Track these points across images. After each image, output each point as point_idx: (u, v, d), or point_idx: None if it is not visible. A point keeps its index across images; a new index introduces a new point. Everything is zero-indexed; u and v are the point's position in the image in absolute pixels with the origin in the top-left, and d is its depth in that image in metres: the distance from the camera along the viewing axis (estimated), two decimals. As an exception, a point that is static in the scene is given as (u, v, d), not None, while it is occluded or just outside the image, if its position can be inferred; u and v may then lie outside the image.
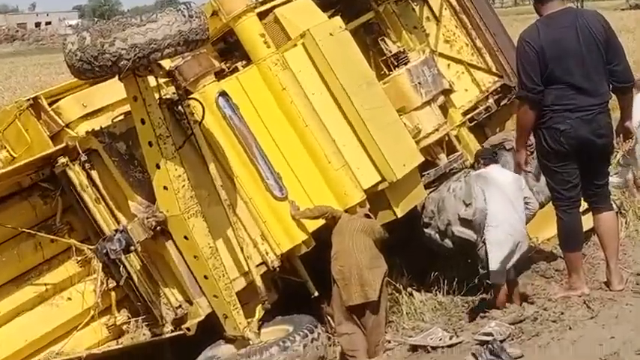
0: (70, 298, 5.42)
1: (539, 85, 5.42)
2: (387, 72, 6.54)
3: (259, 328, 5.33)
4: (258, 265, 5.47)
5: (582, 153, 5.48)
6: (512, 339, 4.97)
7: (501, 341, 4.83)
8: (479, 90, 7.39)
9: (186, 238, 5.07)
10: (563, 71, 5.37)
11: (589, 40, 5.38)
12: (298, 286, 5.82)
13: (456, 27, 7.37)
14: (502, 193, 5.66)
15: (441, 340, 5.13)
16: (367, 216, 5.73)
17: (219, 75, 5.86)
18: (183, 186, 5.01)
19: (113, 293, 5.41)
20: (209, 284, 5.14)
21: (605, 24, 5.58)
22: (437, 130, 6.47)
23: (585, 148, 5.46)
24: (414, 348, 5.16)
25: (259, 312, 5.41)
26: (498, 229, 5.56)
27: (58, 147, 5.31)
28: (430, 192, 6.42)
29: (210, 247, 5.10)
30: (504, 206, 5.61)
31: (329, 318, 5.81)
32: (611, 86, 5.56)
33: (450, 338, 5.12)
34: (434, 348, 5.09)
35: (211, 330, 5.32)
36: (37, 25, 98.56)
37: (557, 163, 5.55)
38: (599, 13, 5.87)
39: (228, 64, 6.12)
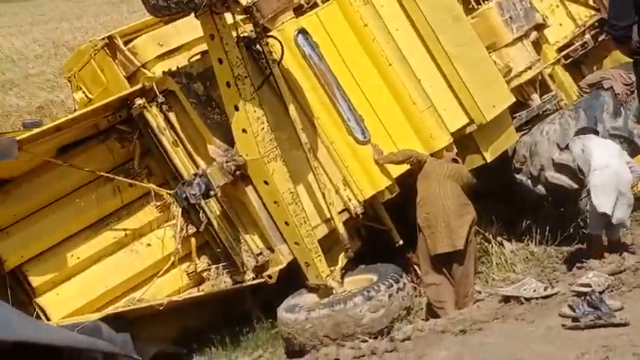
0: (149, 244, 5.52)
1: (623, 21, 5.14)
2: (475, 6, 6.35)
3: (342, 277, 5.30)
4: (340, 212, 5.43)
5: None
6: (612, 290, 4.77)
7: (600, 292, 4.63)
8: (574, 24, 7.17)
9: (266, 182, 5.08)
10: None
11: None
12: (382, 234, 5.75)
13: None
14: (606, 143, 5.51)
15: (534, 290, 4.95)
16: (454, 160, 5.59)
17: (298, 11, 5.78)
18: (263, 129, 4.99)
19: (193, 239, 5.49)
20: (290, 231, 5.15)
21: None
22: (529, 68, 6.32)
23: None
24: (506, 299, 4.98)
25: (342, 260, 5.38)
26: (604, 171, 5.34)
27: (134, 88, 5.37)
28: (522, 135, 6.28)
29: (291, 192, 5.10)
30: (610, 152, 5.42)
31: (415, 267, 5.71)
32: None
33: (545, 289, 4.94)
34: (527, 299, 4.92)
35: (293, 278, 5.33)
36: None
37: None
38: None
39: (307, 0, 5.98)
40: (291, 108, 5.27)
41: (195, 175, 5.14)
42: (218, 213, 5.36)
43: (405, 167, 5.56)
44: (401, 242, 5.69)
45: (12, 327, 4.19)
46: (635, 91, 6.19)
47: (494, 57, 6.13)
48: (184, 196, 5.11)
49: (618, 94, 6.25)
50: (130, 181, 5.43)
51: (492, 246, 6.11)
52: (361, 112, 5.58)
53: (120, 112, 5.42)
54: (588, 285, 4.78)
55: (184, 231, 5.42)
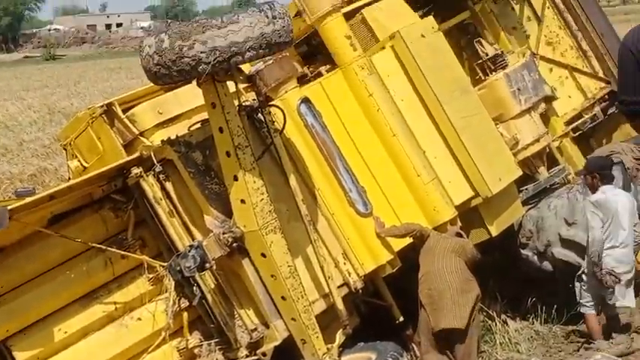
0: (140, 319, 5.45)
1: (633, 96, 5.30)
2: (482, 77, 6.47)
3: (340, 355, 5.24)
4: (339, 287, 5.40)
5: None
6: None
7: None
8: (584, 97, 7.24)
9: (263, 255, 5.04)
10: None
11: None
12: (382, 310, 5.71)
13: (560, 27, 7.24)
14: (619, 217, 5.53)
15: (541, 374, 4.98)
16: (459, 235, 5.60)
17: (302, 80, 5.84)
18: (262, 199, 4.97)
19: (185, 314, 5.42)
20: (287, 306, 5.10)
21: None
22: (537, 140, 6.37)
23: None
24: (510, 382, 4.98)
25: (340, 337, 5.32)
26: (616, 250, 5.49)
27: (131, 157, 5.37)
28: (528, 209, 6.31)
29: (289, 265, 5.06)
30: (621, 228, 5.52)
31: (415, 345, 5.67)
32: None
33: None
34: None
35: (289, 355, 5.25)
36: (108, 27, 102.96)
37: None
38: None
39: (311, 69, 6.11)
40: (292, 178, 5.26)
41: (191, 247, 5.11)
42: (212, 286, 5.31)
43: (408, 241, 5.55)
44: (401, 319, 5.63)
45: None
46: None
47: (501, 129, 6.19)
48: (178, 268, 5.08)
49: (628, 168, 6.25)
50: (122, 252, 5.38)
51: (496, 324, 6.08)
52: (363, 183, 5.59)
53: (115, 182, 5.41)
54: (595, 367, 4.83)
55: (177, 305, 5.36)
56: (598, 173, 5.60)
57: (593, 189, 5.60)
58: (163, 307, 5.36)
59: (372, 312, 5.75)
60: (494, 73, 6.37)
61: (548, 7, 7.15)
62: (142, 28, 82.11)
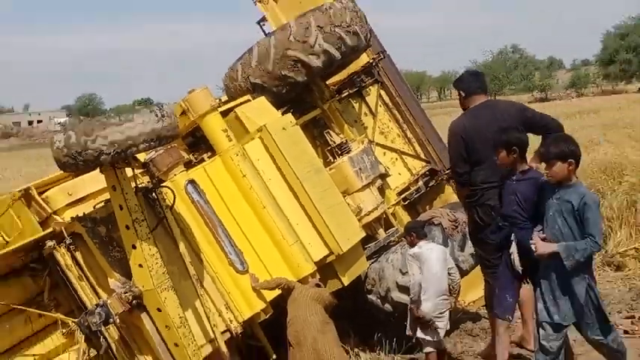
0: None
1: (463, 170, 5.52)
2: (332, 160, 6.67)
3: None
4: (223, 332, 5.39)
5: None
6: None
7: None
8: (410, 173, 7.55)
9: (159, 310, 4.99)
10: (487, 155, 5.37)
11: (505, 121, 5.43)
12: (259, 349, 5.76)
13: (390, 120, 7.57)
14: (433, 263, 5.76)
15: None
16: (318, 285, 5.75)
17: (188, 165, 5.89)
18: (157, 263, 4.96)
19: None
20: (179, 351, 5.03)
21: (519, 106, 5.79)
22: (376, 208, 6.55)
23: None
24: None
25: None
26: (428, 302, 5.67)
27: (46, 232, 5.26)
28: (372, 262, 6.48)
29: (180, 317, 5.02)
30: (433, 279, 5.71)
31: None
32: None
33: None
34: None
35: None
36: (30, 123, 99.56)
37: (490, 234, 5.48)
38: (513, 101, 6.10)
39: (195, 156, 6.16)
40: (181, 245, 5.27)
41: (97, 305, 5.00)
42: (116, 337, 5.20)
43: (277, 292, 5.66)
44: (274, 357, 5.70)
45: None
46: (459, 226, 6.57)
47: (348, 200, 6.38)
48: (87, 324, 4.96)
49: (446, 228, 6.60)
50: (39, 312, 5.23)
51: (350, 356, 6.19)
52: (241, 246, 5.68)
53: (33, 253, 5.28)
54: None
55: (86, 354, 5.18)
56: (414, 232, 5.89)
57: (412, 245, 5.86)
58: (75, 357, 5.21)
59: (250, 351, 5.80)
60: (340, 157, 6.60)
61: (380, 105, 7.50)
62: (58, 123, 78.95)
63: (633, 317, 6.49)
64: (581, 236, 4.65)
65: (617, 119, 24.62)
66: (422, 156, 7.55)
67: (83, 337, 5.14)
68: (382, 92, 7.51)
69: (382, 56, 7.39)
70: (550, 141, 4.97)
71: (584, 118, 27.84)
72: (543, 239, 4.83)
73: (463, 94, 5.77)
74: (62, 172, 5.18)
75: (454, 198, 7.36)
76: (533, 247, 4.86)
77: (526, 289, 5.73)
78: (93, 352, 5.22)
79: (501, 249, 5.32)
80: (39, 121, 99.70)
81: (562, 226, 4.73)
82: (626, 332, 6.12)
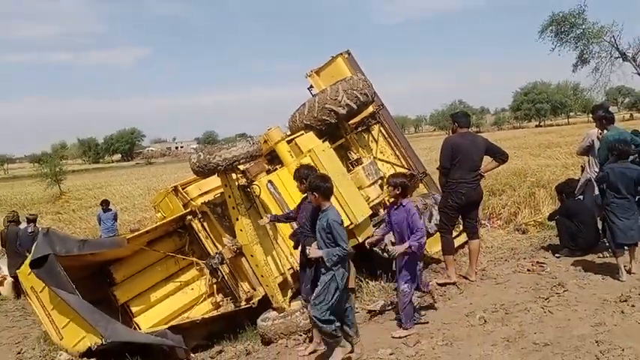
0: (193, 288, 5.41)
1: (448, 167, 5.49)
2: (351, 168, 6.57)
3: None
4: (288, 269, 5.32)
5: (467, 205, 5.57)
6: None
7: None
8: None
9: (252, 256, 5.06)
10: (463, 161, 5.44)
11: (478, 147, 5.51)
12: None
13: (386, 145, 7.37)
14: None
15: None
16: None
17: (268, 172, 5.91)
18: (250, 229, 5.01)
19: (215, 286, 5.36)
20: (264, 280, 5.08)
21: (485, 139, 5.78)
22: (377, 197, 6.43)
23: (470, 203, 5.56)
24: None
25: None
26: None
27: (186, 211, 5.38)
28: (375, 229, 6.01)
29: (264, 260, 5.07)
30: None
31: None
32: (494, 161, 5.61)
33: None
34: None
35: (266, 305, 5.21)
36: (176, 147, 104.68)
37: (453, 210, 5.54)
38: (482, 136, 6.11)
39: (272, 167, 6.15)
40: (262, 219, 5.14)
41: (216, 253, 5.13)
42: (227, 271, 5.29)
43: None
44: None
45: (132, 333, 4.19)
46: (428, 207, 6.33)
47: (361, 192, 6.12)
48: (210, 264, 5.10)
49: (419, 208, 6.15)
50: (183, 257, 5.36)
51: (361, 285, 5.92)
52: None
53: (179, 223, 5.39)
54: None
55: (210, 281, 5.29)
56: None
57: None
58: (204, 282, 5.35)
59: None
60: (356, 167, 6.48)
61: (380, 135, 7.33)
62: (193, 148, 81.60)
63: (532, 262, 6.32)
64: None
65: (522, 143, 26.07)
66: (405, 166, 7.35)
67: (208, 271, 5.29)
68: (381, 128, 7.34)
69: (381, 107, 7.31)
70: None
71: (503, 143, 27.08)
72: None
73: (457, 125, 5.71)
74: (195, 176, 5.27)
75: (425, 191, 7.14)
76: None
77: (474, 243, 5.66)
78: (214, 280, 5.33)
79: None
80: (181, 147, 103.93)
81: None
82: (528, 270, 5.99)
